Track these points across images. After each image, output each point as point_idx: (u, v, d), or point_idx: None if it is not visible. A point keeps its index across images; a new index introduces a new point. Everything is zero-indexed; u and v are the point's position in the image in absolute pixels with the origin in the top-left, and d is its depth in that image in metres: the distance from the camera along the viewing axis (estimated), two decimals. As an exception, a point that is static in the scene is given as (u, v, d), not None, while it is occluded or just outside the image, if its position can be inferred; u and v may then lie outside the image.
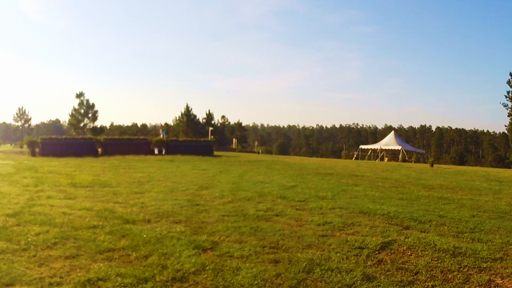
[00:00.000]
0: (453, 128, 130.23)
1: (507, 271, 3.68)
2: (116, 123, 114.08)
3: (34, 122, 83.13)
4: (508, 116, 46.54)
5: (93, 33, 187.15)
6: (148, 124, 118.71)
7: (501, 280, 3.49)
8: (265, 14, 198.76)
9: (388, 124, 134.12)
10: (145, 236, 4.36)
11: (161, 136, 31.17)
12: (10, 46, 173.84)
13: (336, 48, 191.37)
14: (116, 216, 5.34)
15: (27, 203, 6.07)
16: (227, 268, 3.48)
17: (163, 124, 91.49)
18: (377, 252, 4.12)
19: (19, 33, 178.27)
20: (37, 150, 21.41)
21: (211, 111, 70.77)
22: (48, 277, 3.15)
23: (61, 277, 3.17)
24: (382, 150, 47.94)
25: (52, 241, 4.07)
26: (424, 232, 5.02)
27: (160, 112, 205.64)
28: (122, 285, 3.07)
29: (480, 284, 3.38)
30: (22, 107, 71.99)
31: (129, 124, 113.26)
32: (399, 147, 45.15)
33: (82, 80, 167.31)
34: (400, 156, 43.82)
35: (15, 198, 6.47)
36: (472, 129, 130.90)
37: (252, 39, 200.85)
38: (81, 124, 49.26)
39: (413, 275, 3.50)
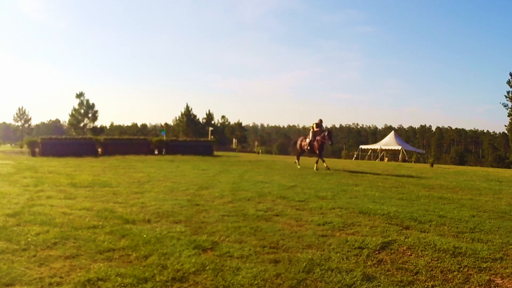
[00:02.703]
0: (453, 128, 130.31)
1: (507, 271, 3.68)
2: (116, 123, 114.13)
3: (34, 122, 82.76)
4: (508, 116, 46.55)
5: (93, 33, 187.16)
6: (148, 124, 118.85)
7: (501, 280, 3.49)
8: (265, 14, 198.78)
9: (388, 124, 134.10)
10: (145, 236, 4.36)
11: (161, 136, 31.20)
12: (10, 46, 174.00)
13: (336, 48, 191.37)
14: (116, 216, 5.34)
15: (27, 203, 6.07)
16: (227, 268, 3.48)
17: (163, 124, 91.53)
18: (377, 252, 4.12)
19: (19, 33, 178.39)
20: (37, 150, 21.42)
21: (211, 111, 70.88)
22: (48, 277, 3.15)
23: (61, 277, 3.17)
24: (382, 150, 47.95)
25: (52, 241, 4.07)
26: (424, 232, 5.01)
27: (160, 112, 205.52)
28: (122, 285, 3.07)
29: (480, 284, 3.38)
30: (22, 107, 71.68)
31: (129, 124, 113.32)
32: (399, 147, 45.16)
33: (82, 80, 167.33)
34: (400, 156, 43.84)
35: (15, 198, 6.47)
36: (472, 129, 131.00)
37: (251, 39, 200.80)
38: (81, 124, 49.30)
39: (413, 275, 3.50)
